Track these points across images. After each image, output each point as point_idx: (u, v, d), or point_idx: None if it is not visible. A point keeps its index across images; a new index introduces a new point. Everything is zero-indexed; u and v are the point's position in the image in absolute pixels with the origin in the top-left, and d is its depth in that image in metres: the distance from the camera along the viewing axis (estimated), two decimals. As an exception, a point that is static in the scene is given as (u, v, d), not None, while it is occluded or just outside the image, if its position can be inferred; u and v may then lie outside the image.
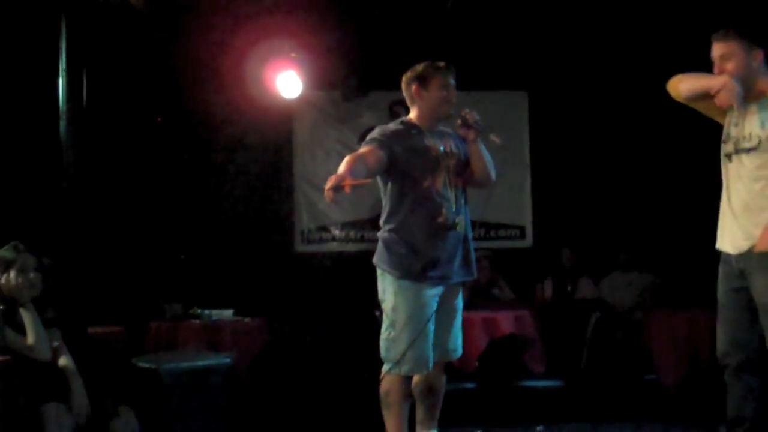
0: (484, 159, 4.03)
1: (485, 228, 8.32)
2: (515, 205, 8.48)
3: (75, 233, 5.74)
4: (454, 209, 3.95)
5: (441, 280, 3.94)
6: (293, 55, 7.31)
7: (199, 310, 6.30)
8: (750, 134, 3.67)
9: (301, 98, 7.72)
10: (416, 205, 3.91)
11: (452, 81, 4.03)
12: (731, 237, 3.73)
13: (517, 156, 8.46)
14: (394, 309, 3.89)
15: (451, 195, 3.95)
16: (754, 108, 3.70)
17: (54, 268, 4.50)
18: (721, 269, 3.82)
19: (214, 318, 6.27)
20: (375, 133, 3.96)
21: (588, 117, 8.23)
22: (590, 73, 7.91)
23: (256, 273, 7.57)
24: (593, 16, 6.94)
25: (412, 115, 4.08)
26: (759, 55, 3.68)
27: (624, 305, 7.20)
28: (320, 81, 7.83)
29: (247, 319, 6.35)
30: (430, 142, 3.97)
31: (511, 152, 8.38)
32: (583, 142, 8.26)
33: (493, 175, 4.11)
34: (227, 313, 6.37)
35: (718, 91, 3.66)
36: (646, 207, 7.92)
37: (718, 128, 3.85)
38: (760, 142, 3.62)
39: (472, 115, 3.96)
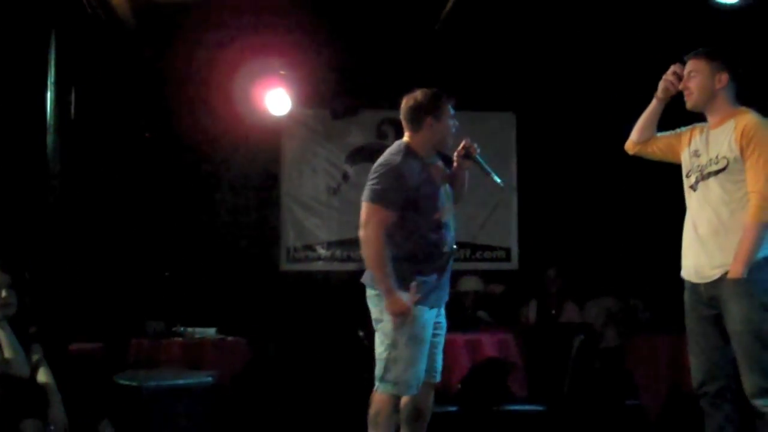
0: (466, 184, 4.22)
1: (471, 249, 8.33)
2: (501, 226, 8.49)
3: (59, 248, 5.72)
4: (453, 235, 4.06)
5: (439, 302, 4.05)
6: (282, 72, 7.32)
7: (181, 328, 6.26)
8: (717, 156, 3.69)
9: (289, 116, 7.72)
10: (425, 237, 3.95)
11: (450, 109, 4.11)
12: (698, 266, 3.73)
13: (503, 177, 8.45)
14: (396, 329, 3.87)
15: (450, 221, 4.05)
16: (718, 132, 3.74)
17: (33, 284, 4.47)
18: (689, 298, 3.81)
19: (196, 336, 6.24)
20: (382, 185, 3.88)
21: (575, 139, 8.26)
22: (578, 96, 7.96)
23: (240, 291, 7.53)
24: (582, 39, 6.99)
25: (412, 141, 4.05)
26: (723, 77, 3.73)
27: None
28: (309, 99, 7.83)
29: (230, 338, 6.31)
30: (432, 171, 4.02)
31: (498, 173, 8.38)
32: (571, 164, 8.28)
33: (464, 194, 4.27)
34: (210, 332, 6.33)
35: (660, 96, 3.97)
36: (632, 230, 7.95)
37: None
38: (728, 163, 3.64)
39: (474, 148, 4.07)
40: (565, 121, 8.26)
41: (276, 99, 7.39)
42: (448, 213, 4.02)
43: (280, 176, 8.22)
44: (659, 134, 4.13)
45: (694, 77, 3.81)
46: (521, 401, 6.07)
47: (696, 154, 3.81)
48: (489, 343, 5.91)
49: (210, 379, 5.19)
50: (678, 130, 4.02)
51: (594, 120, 8.13)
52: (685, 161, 3.89)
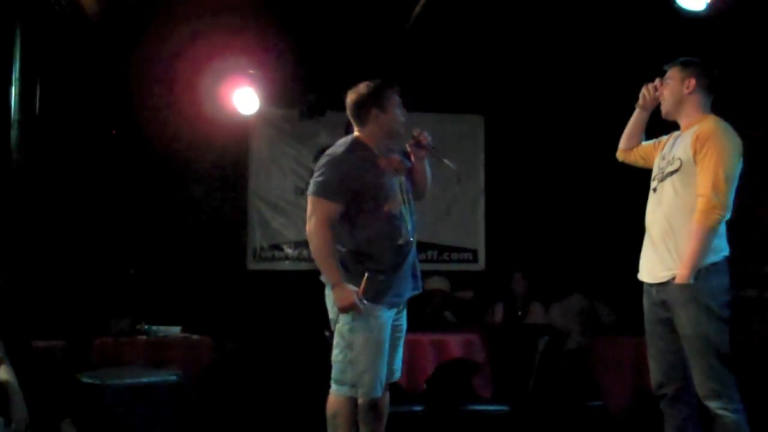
0: (426, 176, 4.13)
1: (438, 250, 8.35)
2: (468, 228, 8.53)
3: (22, 244, 5.65)
4: (409, 227, 3.96)
5: (398, 301, 3.95)
6: (251, 71, 7.29)
7: (146, 326, 6.22)
8: (673, 158, 3.76)
9: (258, 115, 7.70)
10: (377, 229, 3.87)
11: (398, 98, 4.04)
12: (650, 267, 3.80)
13: (471, 179, 8.52)
14: (351, 330, 3.82)
15: (406, 213, 3.95)
16: (684, 136, 3.82)
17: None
18: (645, 301, 3.88)
19: (161, 334, 6.20)
20: (329, 176, 3.85)
21: (543, 143, 8.33)
22: (547, 100, 8.01)
23: (206, 290, 7.50)
24: (550, 44, 7.03)
25: (362, 135, 4.01)
26: (692, 83, 3.81)
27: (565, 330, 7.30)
28: (278, 99, 7.81)
29: (195, 337, 6.28)
30: (383, 163, 3.94)
31: (466, 176, 8.44)
32: (539, 167, 8.35)
33: (428, 188, 4.19)
34: (175, 330, 6.30)
35: (640, 104, 4.07)
36: (599, 233, 8.01)
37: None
38: (681, 164, 3.70)
39: (424, 136, 3.97)
40: (534, 125, 8.32)
41: (244, 98, 7.35)
42: (400, 205, 3.92)
43: (247, 176, 8.18)
44: (645, 143, 4.19)
45: (667, 85, 3.91)
46: (486, 401, 6.08)
47: (663, 157, 3.88)
48: (455, 344, 5.92)
49: (174, 377, 5.16)
50: (659, 138, 4.09)
51: (562, 124, 8.21)
52: (655, 166, 3.96)
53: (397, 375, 4.07)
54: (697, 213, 3.57)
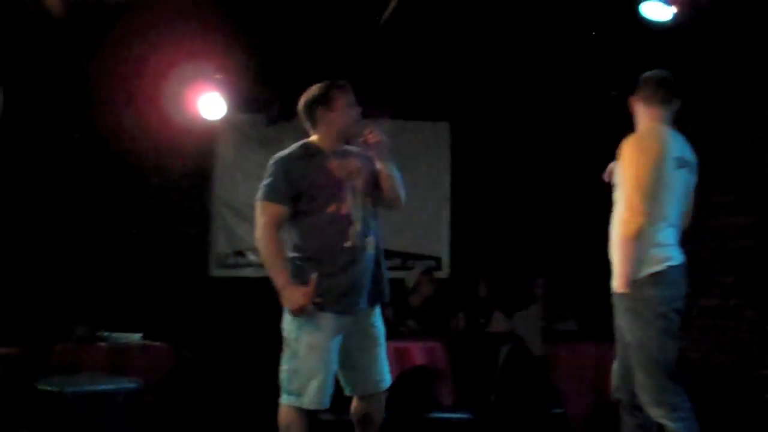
0: (393, 179, 3.88)
1: (402, 258, 8.35)
2: (432, 235, 8.55)
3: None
4: (362, 231, 3.78)
5: (349, 308, 3.76)
6: (217, 76, 7.25)
7: (106, 333, 6.16)
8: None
9: (224, 120, 7.65)
10: (321, 232, 3.76)
11: (354, 98, 3.90)
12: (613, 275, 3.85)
13: (436, 187, 8.54)
14: (296, 338, 3.73)
15: (358, 217, 3.78)
16: None
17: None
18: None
19: (121, 341, 6.14)
20: (274, 177, 3.79)
21: (509, 149, 8.37)
22: (512, 108, 8.05)
23: (168, 297, 7.44)
24: (515, 52, 7.06)
25: (315, 138, 3.93)
26: (635, 102, 3.96)
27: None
28: (244, 104, 7.78)
29: (156, 344, 6.23)
30: (333, 164, 3.81)
31: (431, 183, 8.48)
32: (504, 174, 8.38)
33: (402, 195, 3.94)
34: (135, 337, 6.24)
35: None
36: (562, 242, 8.06)
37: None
38: (618, 179, 3.80)
39: (374, 135, 3.80)
40: (500, 132, 8.35)
41: (210, 103, 7.30)
42: (349, 208, 3.76)
43: (212, 181, 8.14)
44: None
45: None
46: (448, 409, 6.10)
47: None
48: (417, 351, 5.94)
49: (134, 385, 5.08)
50: None
51: (528, 132, 8.25)
52: None
53: (382, 385, 3.91)
54: (620, 224, 3.66)
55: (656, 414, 3.60)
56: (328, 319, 3.71)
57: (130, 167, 7.73)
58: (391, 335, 6.13)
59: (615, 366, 3.92)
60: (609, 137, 4.23)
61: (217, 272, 8.08)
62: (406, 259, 8.39)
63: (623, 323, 3.69)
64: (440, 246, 8.57)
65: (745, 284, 6.35)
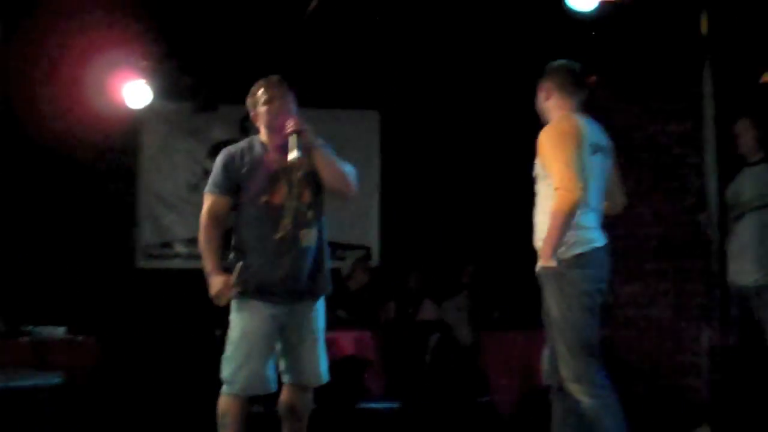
0: (330, 165, 3.89)
1: (331, 247, 8.26)
2: (363, 224, 8.55)
3: None
4: (296, 223, 3.85)
5: (284, 298, 3.84)
6: (142, 63, 7.12)
7: (29, 327, 6.00)
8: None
9: (149, 109, 7.52)
10: (255, 222, 3.87)
11: (277, 91, 3.92)
12: None
13: (366, 176, 8.51)
14: (232, 327, 3.85)
15: (291, 208, 3.85)
16: None
17: None
18: None
19: (44, 335, 5.99)
20: (215, 170, 3.93)
21: (440, 139, 8.41)
22: (442, 96, 8.09)
23: (93, 289, 7.29)
24: (445, 40, 7.08)
25: (261, 133, 4.03)
26: (545, 89, 4.03)
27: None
28: (170, 92, 7.64)
29: (80, 337, 6.10)
30: (271, 156, 3.90)
31: (361, 172, 8.38)
32: (434, 163, 8.42)
33: (351, 182, 3.94)
34: (59, 331, 6.10)
35: None
36: (492, 231, 8.13)
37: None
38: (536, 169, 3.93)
39: (291, 125, 3.81)
40: (430, 121, 8.38)
41: (135, 91, 7.18)
42: (283, 198, 3.84)
43: (138, 171, 8.00)
44: None
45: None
46: (378, 398, 6.13)
47: None
48: (347, 341, 5.95)
49: (59, 379, 4.99)
50: None
51: (459, 121, 8.29)
52: None
53: (316, 380, 3.97)
54: (553, 203, 3.69)
55: (575, 389, 3.67)
56: (259, 308, 3.80)
57: (54, 157, 7.53)
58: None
59: (545, 352, 4.01)
60: (536, 127, 4.26)
61: (143, 263, 7.96)
62: (336, 248, 8.35)
63: (548, 302, 3.76)
64: (370, 235, 8.58)
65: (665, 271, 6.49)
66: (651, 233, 6.54)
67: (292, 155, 3.75)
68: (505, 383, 6.25)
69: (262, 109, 3.92)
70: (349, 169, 3.96)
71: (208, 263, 3.84)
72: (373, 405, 6.10)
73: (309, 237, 3.88)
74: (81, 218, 7.64)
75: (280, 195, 3.85)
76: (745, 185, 4.96)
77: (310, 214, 3.89)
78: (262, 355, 3.80)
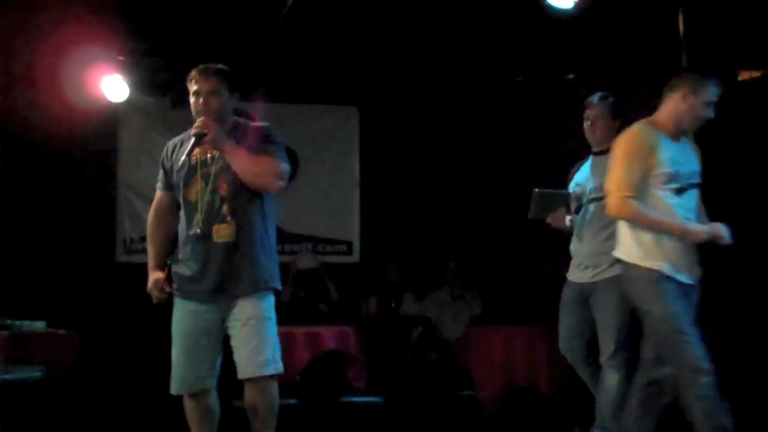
0: (241, 164, 3.67)
1: (313, 242, 8.33)
2: (343, 220, 8.55)
3: None
4: (209, 218, 3.73)
5: (204, 296, 3.77)
6: (120, 58, 7.09)
7: (8, 321, 5.96)
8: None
9: (128, 103, 7.51)
10: (180, 219, 3.88)
11: (204, 86, 3.77)
12: None
13: (346, 171, 8.56)
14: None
15: (204, 202, 3.74)
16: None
17: None
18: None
19: (24, 329, 5.95)
20: (160, 166, 3.96)
21: (419, 133, 8.43)
22: (421, 92, 8.10)
23: (73, 283, 7.26)
24: (424, 35, 7.10)
25: None
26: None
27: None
28: (148, 86, 7.62)
29: (60, 331, 6.07)
30: (194, 150, 3.74)
31: (340, 167, 8.49)
32: (414, 158, 8.44)
33: (262, 180, 3.73)
34: (39, 325, 6.06)
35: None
36: (474, 225, 8.17)
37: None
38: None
39: (196, 126, 3.68)
40: (409, 117, 8.40)
41: (113, 85, 7.15)
42: (197, 193, 3.75)
43: (116, 165, 7.97)
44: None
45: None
46: (360, 393, 6.14)
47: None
48: (329, 336, 5.95)
49: (38, 374, 4.99)
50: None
51: (437, 115, 8.32)
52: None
53: (255, 371, 3.70)
54: None
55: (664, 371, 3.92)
56: (184, 306, 3.84)
57: (31, 152, 7.48)
58: (302, 320, 6.19)
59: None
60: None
61: (123, 257, 7.93)
62: (316, 243, 8.38)
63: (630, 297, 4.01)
64: (351, 230, 8.58)
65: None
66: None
67: (182, 158, 3.72)
68: (487, 377, 6.29)
69: (190, 99, 3.81)
70: (273, 165, 3.75)
71: (149, 260, 3.97)
72: (356, 399, 6.12)
73: (224, 232, 3.73)
74: (60, 212, 7.59)
75: (195, 190, 3.78)
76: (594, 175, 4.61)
77: (225, 208, 3.74)
78: (189, 352, 3.79)
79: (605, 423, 4.30)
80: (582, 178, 4.69)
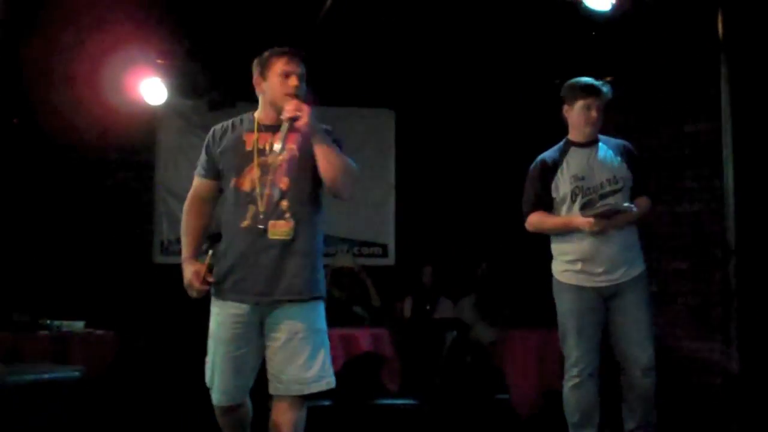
0: (328, 158, 3.32)
1: (348, 244, 8.35)
2: (378, 222, 8.56)
3: None
4: (266, 212, 3.35)
5: (249, 296, 3.36)
6: (159, 61, 7.15)
7: (48, 321, 6.05)
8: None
9: (166, 106, 7.59)
10: (229, 208, 3.43)
11: (298, 69, 3.45)
12: None
13: (381, 174, 8.56)
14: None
15: (261, 195, 3.35)
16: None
17: None
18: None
19: (63, 329, 6.04)
20: (202, 152, 3.55)
21: (455, 137, 8.41)
22: (458, 95, 8.08)
23: (111, 284, 7.34)
24: (461, 39, 7.09)
25: (257, 110, 3.56)
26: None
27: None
28: (186, 89, 7.68)
29: (99, 332, 6.15)
30: (252, 135, 3.43)
31: (376, 170, 8.49)
32: (449, 161, 8.43)
33: (344, 182, 3.37)
34: (78, 325, 6.15)
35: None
36: (509, 228, 8.12)
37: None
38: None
39: (290, 111, 3.30)
40: (445, 120, 8.38)
41: (151, 88, 7.22)
42: (254, 183, 3.36)
43: (155, 167, 8.05)
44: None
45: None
46: (394, 395, 6.14)
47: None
48: (364, 338, 5.96)
49: (77, 373, 5.02)
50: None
51: (473, 119, 8.30)
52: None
53: (299, 389, 3.34)
54: None
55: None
56: (224, 309, 3.43)
57: (70, 153, 7.59)
58: (337, 321, 6.19)
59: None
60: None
61: (160, 259, 8.00)
62: (352, 246, 8.40)
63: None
64: (386, 233, 8.60)
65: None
66: (669, 233, 6.54)
67: (276, 146, 3.29)
68: (523, 381, 6.24)
69: (270, 82, 3.45)
70: (354, 169, 3.43)
71: (184, 250, 3.53)
72: (390, 401, 6.12)
73: (281, 229, 3.35)
74: (99, 214, 7.69)
75: (251, 179, 3.38)
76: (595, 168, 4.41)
77: (284, 203, 3.36)
78: (233, 361, 3.41)
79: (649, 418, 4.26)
80: (580, 170, 4.38)
